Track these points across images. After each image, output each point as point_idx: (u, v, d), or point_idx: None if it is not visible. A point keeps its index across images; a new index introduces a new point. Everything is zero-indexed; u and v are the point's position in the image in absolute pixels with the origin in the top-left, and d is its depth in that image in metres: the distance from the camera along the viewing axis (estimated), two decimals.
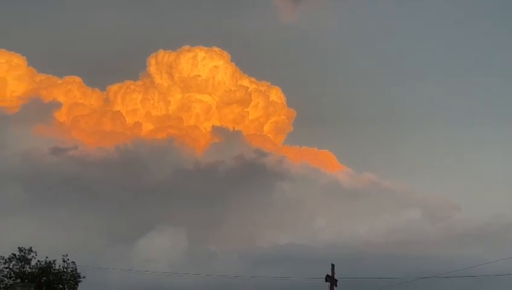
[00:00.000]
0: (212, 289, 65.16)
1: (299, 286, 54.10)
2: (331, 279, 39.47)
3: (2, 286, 41.34)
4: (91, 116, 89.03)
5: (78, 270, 43.66)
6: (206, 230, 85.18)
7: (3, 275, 41.92)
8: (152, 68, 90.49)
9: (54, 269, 42.88)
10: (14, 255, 42.71)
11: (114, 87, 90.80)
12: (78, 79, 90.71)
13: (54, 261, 43.20)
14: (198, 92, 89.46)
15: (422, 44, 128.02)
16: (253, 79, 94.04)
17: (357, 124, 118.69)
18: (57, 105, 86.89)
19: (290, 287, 56.64)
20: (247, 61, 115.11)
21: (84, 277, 43.73)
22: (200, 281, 63.04)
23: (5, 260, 42.43)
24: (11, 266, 42.41)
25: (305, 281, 48.91)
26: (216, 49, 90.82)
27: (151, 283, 62.27)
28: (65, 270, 43.17)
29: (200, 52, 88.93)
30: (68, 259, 43.44)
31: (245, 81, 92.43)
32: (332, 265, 40.09)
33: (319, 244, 79.50)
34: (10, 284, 40.71)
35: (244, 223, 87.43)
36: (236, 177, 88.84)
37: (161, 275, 59.72)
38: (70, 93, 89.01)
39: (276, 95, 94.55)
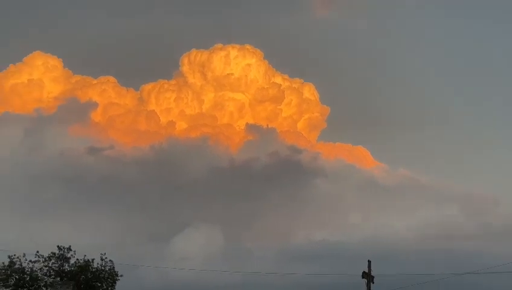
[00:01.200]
0: (247, 285, 65.34)
1: (334, 282, 53.94)
2: (367, 275, 39.27)
3: (42, 284, 42.03)
4: (126, 115, 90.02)
5: (116, 269, 44.08)
6: (241, 227, 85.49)
7: (43, 274, 42.58)
8: (185, 68, 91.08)
9: (93, 268, 43.30)
10: (54, 253, 43.25)
11: (148, 87, 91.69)
12: (112, 79, 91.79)
13: (93, 259, 43.64)
14: (231, 91, 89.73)
15: (455, 42, 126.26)
16: (286, 76, 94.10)
17: (392, 120, 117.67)
18: (92, 105, 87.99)
19: (326, 283, 56.48)
20: (280, 59, 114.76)
21: (121, 275, 44.16)
22: (236, 278, 63.31)
23: (45, 258, 43.01)
24: (50, 265, 42.96)
25: (341, 278, 48.78)
26: (249, 47, 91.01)
27: (187, 281, 62.71)
28: (103, 268, 43.56)
29: (233, 51, 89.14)
30: (106, 257, 43.88)
31: (278, 79, 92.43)
32: (369, 261, 39.87)
33: (354, 240, 79.13)
34: (50, 282, 41.32)
35: (279, 220, 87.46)
36: (270, 174, 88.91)
37: (197, 273, 60.10)
38: (105, 93, 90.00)
39: (310, 92, 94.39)
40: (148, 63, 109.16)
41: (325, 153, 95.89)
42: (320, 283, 57.56)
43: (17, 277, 41.64)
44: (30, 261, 42.53)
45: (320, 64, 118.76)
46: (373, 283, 39.46)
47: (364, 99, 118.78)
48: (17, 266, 41.97)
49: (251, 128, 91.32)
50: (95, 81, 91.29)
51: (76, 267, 43.05)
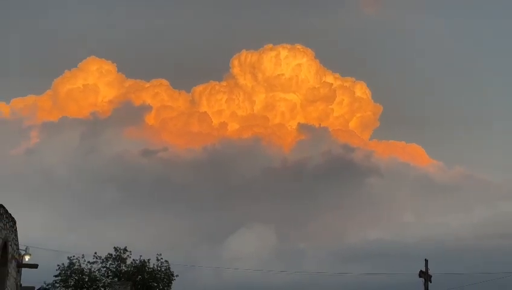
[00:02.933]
0: (301, 286, 65.21)
1: (390, 282, 53.39)
2: (425, 275, 38.69)
3: (100, 284, 42.88)
4: (179, 118, 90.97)
5: (171, 269, 44.59)
6: (294, 227, 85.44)
7: (101, 274, 43.43)
8: (235, 70, 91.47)
9: (149, 268, 43.91)
10: (111, 254, 44.01)
11: (199, 88, 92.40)
12: (165, 82, 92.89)
13: (148, 260, 44.27)
14: (283, 91, 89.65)
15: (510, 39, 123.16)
16: (337, 75, 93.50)
17: (447, 117, 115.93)
18: (146, 108, 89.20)
19: (381, 283, 55.96)
20: (331, 57, 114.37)
21: (177, 275, 44.64)
22: (289, 278, 63.32)
23: (102, 259, 43.82)
24: (108, 265, 43.76)
25: (397, 278, 48.23)
26: (299, 46, 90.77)
27: (241, 281, 63.02)
28: (159, 269, 44.15)
29: (283, 51, 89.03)
30: (162, 258, 44.49)
31: (329, 78, 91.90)
32: (426, 260, 39.27)
33: (409, 239, 78.12)
34: (108, 283, 42.09)
35: (332, 219, 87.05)
36: (324, 173, 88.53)
37: (251, 273, 60.31)
38: (158, 96, 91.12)
39: (361, 90, 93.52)
40: (199, 65, 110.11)
41: (379, 151, 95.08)
42: (375, 283, 57.04)
43: (76, 277, 42.57)
44: (88, 262, 43.44)
45: (371, 62, 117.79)
46: (430, 282, 38.88)
47: (417, 96, 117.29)
48: (76, 267, 42.94)
49: (303, 128, 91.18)
50: (147, 84, 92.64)
51: (132, 268, 43.72)
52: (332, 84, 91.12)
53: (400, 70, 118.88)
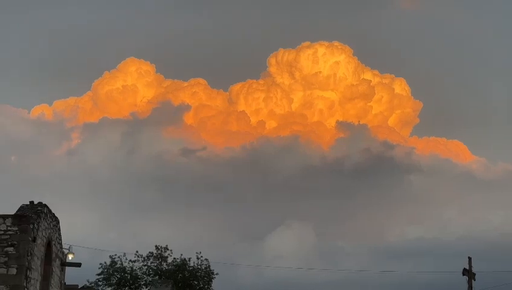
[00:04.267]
0: (340, 284, 64.89)
1: (433, 280, 52.75)
2: (468, 273, 38.07)
3: (142, 282, 43.34)
4: (217, 117, 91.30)
5: (212, 267, 44.83)
6: (334, 225, 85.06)
7: (142, 273, 43.90)
8: (272, 68, 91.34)
9: (189, 266, 44.23)
10: (152, 253, 44.49)
11: (236, 87, 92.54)
12: (202, 81, 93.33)
13: (189, 258, 44.60)
14: (320, 89, 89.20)
15: None
16: (376, 72, 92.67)
17: (488, 113, 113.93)
18: (185, 108, 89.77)
19: (424, 282, 55.35)
20: (369, 54, 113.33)
21: (217, 274, 44.84)
22: (329, 276, 63.06)
23: (144, 258, 44.29)
24: (149, 264, 44.21)
25: (440, 276, 47.61)
26: (337, 43, 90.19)
27: (281, 279, 63.02)
28: (199, 267, 44.43)
29: (321, 48, 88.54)
30: (202, 256, 44.76)
31: (368, 75, 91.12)
32: (469, 258, 38.64)
33: (451, 237, 77.12)
34: (150, 281, 42.50)
35: (372, 217, 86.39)
36: (363, 171, 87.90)
37: (291, 271, 60.23)
38: (196, 96, 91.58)
39: (401, 86, 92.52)
40: (236, 64, 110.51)
41: (419, 148, 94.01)
42: (418, 282, 56.45)
43: (118, 276, 43.11)
44: (130, 260, 43.98)
45: (411, 59, 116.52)
46: (474, 280, 38.23)
47: (458, 92, 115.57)
48: (118, 266, 43.48)
49: (342, 125, 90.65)
50: (185, 84, 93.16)
51: (173, 266, 44.08)
52: (370, 81, 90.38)
53: (440, 66, 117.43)
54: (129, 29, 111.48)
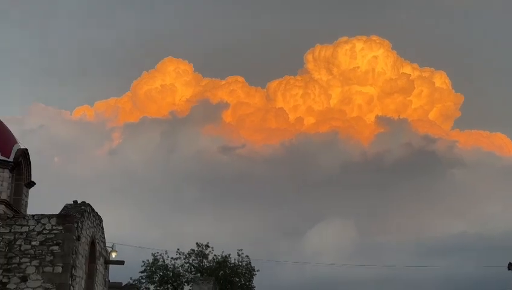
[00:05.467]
0: (382, 280, 64.51)
1: (477, 275, 52.04)
2: None
3: (184, 280, 43.77)
4: (255, 114, 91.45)
5: (252, 264, 45.01)
6: (375, 221, 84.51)
7: (184, 270, 44.33)
8: (310, 65, 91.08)
9: (230, 263, 44.50)
10: (193, 250, 44.88)
11: (274, 84, 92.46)
12: (240, 79, 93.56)
13: (229, 255, 44.87)
14: (359, 84, 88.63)
15: None
16: (415, 65, 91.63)
17: None
18: (224, 106, 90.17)
19: (468, 277, 54.64)
20: (408, 48, 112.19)
21: (258, 270, 45.00)
22: (370, 272, 62.67)
23: (185, 255, 44.71)
24: (190, 261, 44.61)
25: (484, 271, 46.97)
26: (375, 38, 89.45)
27: (322, 275, 62.88)
28: (240, 264, 44.66)
29: (358, 43, 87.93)
30: (242, 253, 44.99)
31: (407, 68, 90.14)
32: None
33: (494, 232, 75.78)
34: (191, 278, 42.89)
35: (414, 212, 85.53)
36: (404, 165, 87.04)
37: (331, 267, 60.11)
38: (234, 94, 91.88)
39: (441, 80, 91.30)
40: (274, 61, 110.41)
41: (461, 141, 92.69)
42: (462, 277, 55.73)
43: (161, 273, 43.63)
44: (172, 258, 44.47)
45: (450, 51, 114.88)
46: None
47: (500, 84, 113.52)
48: (160, 263, 44.00)
49: (381, 120, 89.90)
50: (223, 82, 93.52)
51: (214, 263, 44.39)
52: (410, 75, 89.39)
53: (480, 59, 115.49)
54: (167, 29, 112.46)
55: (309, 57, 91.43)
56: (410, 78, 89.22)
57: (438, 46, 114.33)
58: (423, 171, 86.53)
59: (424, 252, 77.10)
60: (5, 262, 23.18)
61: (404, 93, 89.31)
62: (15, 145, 27.38)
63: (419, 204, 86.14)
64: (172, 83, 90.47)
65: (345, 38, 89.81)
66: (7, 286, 22.89)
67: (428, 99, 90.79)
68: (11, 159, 26.56)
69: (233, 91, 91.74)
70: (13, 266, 23.14)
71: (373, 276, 63.76)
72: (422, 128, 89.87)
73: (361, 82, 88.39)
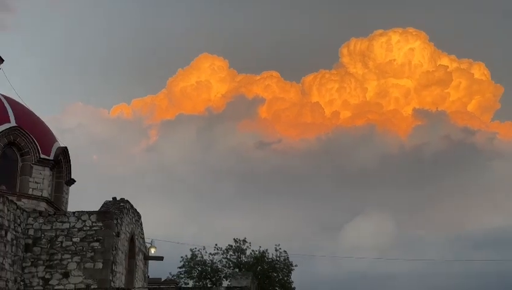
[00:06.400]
0: (421, 273, 63.95)
1: None
2: None
3: (222, 275, 43.99)
4: (291, 109, 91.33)
5: (290, 259, 44.98)
6: (413, 214, 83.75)
7: (222, 265, 44.55)
8: (345, 59, 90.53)
9: (268, 258, 44.54)
10: (231, 246, 45.03)
11: (309, 78, 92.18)
12: (275, 74, 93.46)
13: (267, 250, 44.91)
14: (395, 77, 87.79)
15: None
16: (453, 57, 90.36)
17: None
18: (259, 101, 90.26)
19: (506, 271, 53.79)
20: (446, 39, 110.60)
21: (296, 265, 44.96)
22: (409, 266, 62.19)
23: (223, 251, 44.91)
24: (228, 257, 44.78)
25: None
26: (411, 30, 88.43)
27: (360, 269, 62.67)
28: (278, 259, 44.67)
29: (394, 36, 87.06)
30: (280, 248, 44.98)
31: (444, 60, 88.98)
32: None
33: None
34: (230, 273, 43.07)
35: (453, 205, 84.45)
36: (443, 158, 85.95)
37: (369, 261, 59.81)
38: (269, 89, 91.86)
39: (480, 71, 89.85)
40: (308, 56, 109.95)
41: (502, 133, 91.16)
42: (501, 271, 54.87)
43: (199, 268, 43.92)
44: (210, 253, 44.72)
45: (489, 42, 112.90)
46: None
47: None
48: (198, 259, 44.29)
49: (419, 113, 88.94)
50: (258, 77, 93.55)
51: (252, 259, 44.48)
52: (447, 66, 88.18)
53: None
54: (201, 26, 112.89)
55: (344, 50, 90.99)
56: (448, 70, 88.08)
57: (476, 36, 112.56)
58: (462, 163, 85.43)
59: (463, 245, 76.22)
60: (47, 258, 23.62)
61: (441, 85, 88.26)
62: (55, 144, 27.85)
63: (458, 197, 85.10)
64: (208, 80, 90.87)
65: (380, 31, 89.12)
66: (50, 282, 23.33)
67: (466, 91, 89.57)
68: (51, 157, 27.03)
69: (268, 86, 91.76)
70: (55, 262, 23.57)
71: (411, 270, 63.28)
72: (461, 120, 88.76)
73: (397, 75, 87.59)
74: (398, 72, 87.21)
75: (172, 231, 62.37)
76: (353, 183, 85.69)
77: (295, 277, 45.04)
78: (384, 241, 75.50)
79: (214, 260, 44.46)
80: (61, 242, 23.77)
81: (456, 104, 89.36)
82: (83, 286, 22.93)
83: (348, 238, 74.85)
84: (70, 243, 23.72)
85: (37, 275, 23.41)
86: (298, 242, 67.68)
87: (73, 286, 22.92)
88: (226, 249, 44.80)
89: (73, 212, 24.48)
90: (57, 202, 27.24)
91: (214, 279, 43.72)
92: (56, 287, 22.97)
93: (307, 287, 49.26)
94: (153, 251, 30.78)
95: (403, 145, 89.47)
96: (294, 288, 44.62)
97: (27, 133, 26.44)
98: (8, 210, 22.84)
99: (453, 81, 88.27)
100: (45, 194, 26.36)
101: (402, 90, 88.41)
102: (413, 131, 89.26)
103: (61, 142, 28.47)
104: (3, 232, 22.43)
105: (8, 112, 27.09)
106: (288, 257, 44.71)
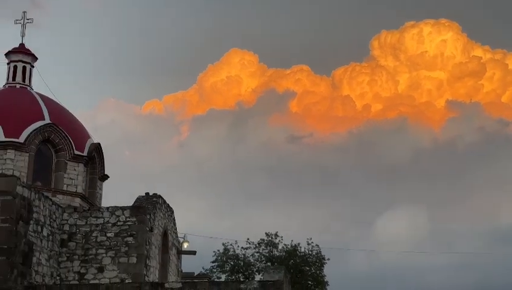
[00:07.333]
0: (455, 268, 63.34)
1: None
2: None
3: (255, 269, 44.13)
4: (322, 103, 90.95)
5: (323, 253, 44.91)
6: (447, 207, 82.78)
7: (255, 259, 44.69)
8: (376, 51, 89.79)
9: (300, 252, 44.55)
10: (263, 240, 45.14)
11: (339, 72, 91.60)
12: (306, 67, 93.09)
13: (298, 244, 44.91)
14: (427, 69, 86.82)
15: None
16: (486, 47, 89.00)
17: None
18: (290, 94, 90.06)
19: None
20: (479, 30, 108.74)
21: (328, 259, 44.87)
22: (443, 259, 61.62)
23: (255, 245, 45.05)
24: (260, 251, 44.90)
25: None
26: (444, 21, 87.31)
27: (392, 263, 62.28)
28: (310, 253, 44.65)
29: (426, 27, 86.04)
30: (312, 242, 44.93)
31: (478, 51, 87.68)
32: None
33: None
34: (262, 267, 43.17)
35: (487, 198, 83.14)
36: (477, 150, 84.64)
37: (402, 254, 59.43)
38: (299, 82, 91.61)
39: None
40: (338, 49, 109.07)
41: None
42: None
43: (232, 263, 44.13)
44: (242, 248, 44.89)
45: None
46: None
47: None
48: (231, 253, 44.51)
49: (452, 104, 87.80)
50: (288, 71, 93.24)
51: (284, 253, 44.54)
52: (481, 57, 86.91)
53: None
54: (230, 21, 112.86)
55: (375, 43, 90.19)
56: (482, 61, 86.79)
57: (510, 26, 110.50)
58: (497, 155, 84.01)
59: (497, 239, 75.12)
60: (83, 253, 24.02)
61: (475, 76, 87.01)
62: (88, 140, 28.25)
63: (493, 190, 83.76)
64: (238, 74, 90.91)
65: (411, 22, 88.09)
66: (85, 277, 23.72)
67: (500, 82, 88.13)
68: (85, 153, 27.43)
69: (298, 80, 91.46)
70: (90, 257, 23.95)
71: (445, 263, 62.67)
72: (496, 112, 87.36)
73: (429, 67, 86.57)
74: (430, 64, 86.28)
75: (205, 225, 62.75)
76: (385, 176, 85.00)
77: (328, 270, 45.01)
78: (417, 235, 74.91)
79: (246, 254, 44.62)
80: (96, 237, 24.14)
81: (490, 96, 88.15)
82: (117, 280, 23.25)
83: (381, 231, 74.42)
84: (105, 238, 24.08)
85: (72, 269, 23.82)
86: (330, 236, 67.42)
87: (108, 280, 23.24)
88: (258, 243, 44.92)
89: (107, 208, 24.82)
90: (91, 198, 27.64)
91: (246, 273, 43.88)
92: (91, 282, 23.33)
93: (340, 281, 49.14)
94: (185, 245, 31.04)
95: (436, 138, 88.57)
96: (327, 282, 44.59)
97: (61, 130, 26.85)
98: (43, 206, 23.25)
99: (487, 72, 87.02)
100: (79, 189, 26.77)
101: (434, 82, 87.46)
102: (447, 123, 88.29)
103: (95, 138, 28.86)
104: (39, 228, 22.85)
105: (42, 110, 27.57)
106: (320, 251, 44.69)
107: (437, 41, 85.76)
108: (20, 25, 30.37)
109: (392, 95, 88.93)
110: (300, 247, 44.63)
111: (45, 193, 24.26)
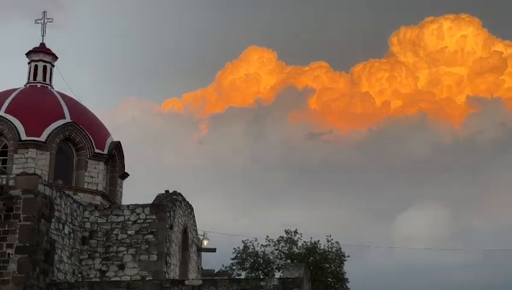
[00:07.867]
0: (478, 265, 62.82)
1: None
2: None
3: (274, 266, 44.17)
4: (341, 99, 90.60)
5: (342, 250, 44.83)
6: (469, 204, 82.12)
7: (274, 257, 44.72)
8: (395, 48, 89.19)
9: (319, 249, 44.49)
10: (282, 237, 45.13)
11: (358, 68, 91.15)
12: (324, 64, 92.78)
13: (318, 241, 44.87)
14: (447, 65, 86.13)
15: None
16: (507, 42, 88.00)
17: None
18: (308, 91, 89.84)
19: None
20: (500, 24, 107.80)
21: (348, 256, 44.78)
22: (465, 257, 61.18)
23: (275, 242, 45.06)
24: (280, 248, 44.92)
25: None
26: (464, 16, 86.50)
27: (413, 260, 61.92)
28: (330, 250, 44.58)
29: (446, 22, 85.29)
30: (332, 239, 44.84)
31: (499, 46, 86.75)
32: None
33: None
34: (282, 265, 43.19)
35: (509, 195, 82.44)
36: (499, 146, 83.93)
37: (423, 252, 59.09)
38: (318, 79, 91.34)
39: None
40: (357, 45, 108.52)
41: None
42: None
43: (251, 260, 44.21)
44: (262, 245, 44.94)
45: None
46: None
47: None
48: (250, 250, 44.58)
49: (473, 100, 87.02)
50: (307, 68, 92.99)
51: (304, 250, 44.51)
52: (502, 53, 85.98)
53: None
54: (249, 18, 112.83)
55: (394, 39, 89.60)
56: (503, 56, 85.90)
57: None
58: None
59: None
60: (104, 251, 24.19)
61: (496, 72, 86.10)
62: (108, 138, 28.43)
63: None
64: (257, 72, 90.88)
65: (431, 18, 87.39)
66: (106, 274, 23.91)
67: None
68: (105, 152, 27.61)
69: (317, 77, 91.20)
70: (111, 254, 24.12)
71: (467, 261, 62.23)
72: None
73: (449, 63, 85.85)
74: (451, 59, 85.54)
75: (225, 223, 62.87)
76: (405, 173, 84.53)
77: (348, 267, 44.90)
78: (438, 232, 74.44)
79: (266, 252, 44.67)
80: (117, 235, 24.31)
81: (511, 91, 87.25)
82: (138, 277, 23.40)
83: (402, 229, 74.05)
84: (125, 235, 24.24)
85: (93, 267, 24.01)
86: (350, 233, 67.16)
87: (129, 277, 23.40)
88: (277, 240, 44.94)
89: (128, 206, 24.98)
90: (111, 196, 27.82)
91: (266, 270, 43.93)
92: (112, 279, 23.50)
93: (360, 278, 48.99)
94: (205, 242, 31.11)
95: (457, 134, 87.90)
96: (347, 279, 44.50)
97: (82, 128, 27.06)
98: (65, 204, 23.47)
99: (508, 68, 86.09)
100: (100, 188, 26.96)
101: (455, 78, 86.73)
102: (467, 119, 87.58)
103: (115, 136, 29.03)
104: (60, 226, 23.07)
105: (63, 109, 27.80)
106: (340, 248, 44.60)
107: (457, 36, 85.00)
108: (41, 24, 30.63)
109: (411, 92, 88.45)
110: (320, 244, 44.60)
111: (66, 191, 24.48)
